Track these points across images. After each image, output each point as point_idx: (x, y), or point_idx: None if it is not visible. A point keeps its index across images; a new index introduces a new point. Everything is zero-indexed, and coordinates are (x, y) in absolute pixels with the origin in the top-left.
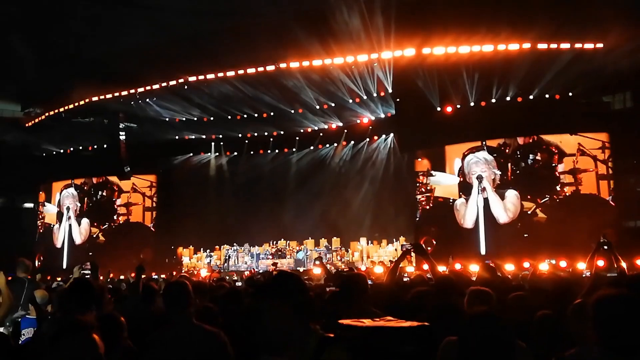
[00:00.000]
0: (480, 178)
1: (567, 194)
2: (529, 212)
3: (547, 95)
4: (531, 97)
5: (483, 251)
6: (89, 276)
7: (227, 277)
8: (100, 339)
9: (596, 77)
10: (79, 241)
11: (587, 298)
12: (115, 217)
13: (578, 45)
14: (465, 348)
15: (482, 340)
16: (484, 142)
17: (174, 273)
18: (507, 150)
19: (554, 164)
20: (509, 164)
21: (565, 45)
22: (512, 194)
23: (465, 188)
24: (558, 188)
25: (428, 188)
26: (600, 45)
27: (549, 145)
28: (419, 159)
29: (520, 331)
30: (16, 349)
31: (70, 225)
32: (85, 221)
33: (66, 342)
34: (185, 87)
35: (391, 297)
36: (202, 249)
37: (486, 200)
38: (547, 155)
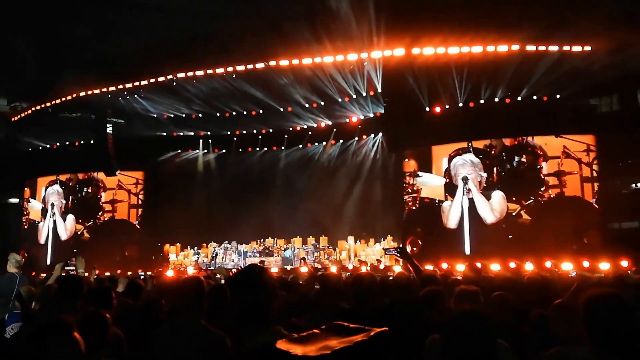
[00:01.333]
0: (465, 179)
1: (552, 196)
2: (514, 214)
3: (534, 97)
4: (519, 98)
5: (467, 251)
6: (73, 272)
7: (217, 275)
8: (86, 336)
9: (583, 79)
10: (64, 238)
11: (573, 299)
12: (100, 214)
13: (566, 48)
14: (447, 345)
15: (464, 338)
16: (470, 143)
17: (161, 270)
18: (492, 152)
19: (539, 166)
20: (495, 166)
21: (553, 48)
22: (498, 195)
23: (451, 189)
24: (543, 190)
25: (414, 189)
26: (587, 48)
27: (534, 147)
28: (407, 159)
29: (501, 331)
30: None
31: (54, 222)
32: (70, 217)
33: (47, 341)
34: (174, 83)
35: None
36: (189, 246)
37: (471, 202)
38: (533, 157)
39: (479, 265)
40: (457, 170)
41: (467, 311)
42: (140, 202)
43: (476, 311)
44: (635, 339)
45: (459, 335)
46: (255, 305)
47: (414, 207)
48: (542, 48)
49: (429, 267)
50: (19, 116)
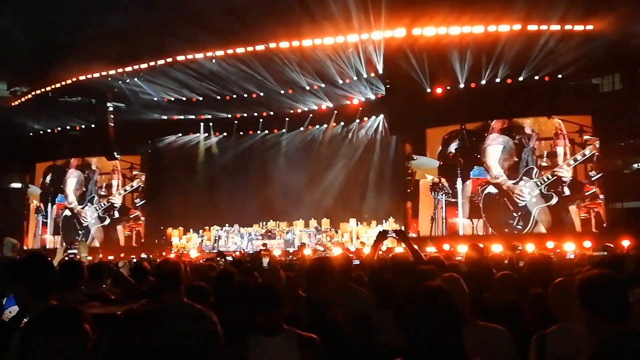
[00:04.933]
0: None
1: (545, 177)
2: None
3: (536, 77)
4: (520, 78)
5: (461, 232)
6: (73, 256)
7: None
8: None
9: (585, 59)
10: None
11: (574, 277)
12: (96, 199)
13: (568, 27)
14: (410, 320)
15: (425, 314)
16: (463, 126)
17: (164, 253)
18: (485, 134)
19: (532, 147)
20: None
21: (555, 27)
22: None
23: (445, 171)
24: (535, 171)
25: (409, 171)
26: (590, 27)
27: (527, 128)
28: (407, 141)
29: (507, 310)
30: None
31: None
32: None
33: (50, 327)
34: (174, 66)
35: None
36: (191, 229)
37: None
38: (526, 138)
39: (481, 245)
40: (501, 155)
41: (431, 287)
42: (133, 186)
43: (440, 287)
44: (626, 310)
45: (420, 311)
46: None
47: (408, 190)
48: (543, 27)
49: (430, 248)
50: (19, 101)
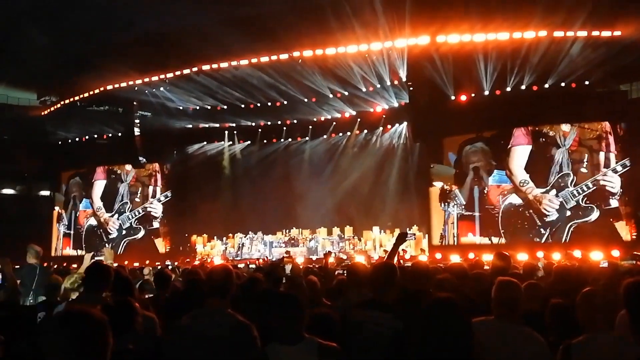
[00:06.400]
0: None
1: (584, 185)
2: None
3: (562, 84)
4: (546, 85)
5: (477, 241)
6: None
7: (241, 265)
8: (111, 323)
9: (613, 65)
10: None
11: (610, 286)
12: (119, 206)
13: (595, 33)
14: (420, 332)
15: (437, 326)
16: (482, 133)
17: (188, 260)
18: (502, 141)
19: (553, 154)
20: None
21: (582, 33)
22: None
23: (461, 179)
24: (558, 178)
25: (432, 179)
26: (617, 33)
27: (549, 135)
28: (428, 149)
29: (533, 320)
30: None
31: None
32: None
33: (46, 335)
34: (199, 75)
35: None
36: (215, 237)
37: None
38: (547, 145)
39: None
40: (529, 157)
41: (442, 299)
42: (154, 193)
43: (451, 299)
44: None
45: (432, 323)
46: None
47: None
48: (570, 34)
49: (454, 256)
50: (48, 110)
